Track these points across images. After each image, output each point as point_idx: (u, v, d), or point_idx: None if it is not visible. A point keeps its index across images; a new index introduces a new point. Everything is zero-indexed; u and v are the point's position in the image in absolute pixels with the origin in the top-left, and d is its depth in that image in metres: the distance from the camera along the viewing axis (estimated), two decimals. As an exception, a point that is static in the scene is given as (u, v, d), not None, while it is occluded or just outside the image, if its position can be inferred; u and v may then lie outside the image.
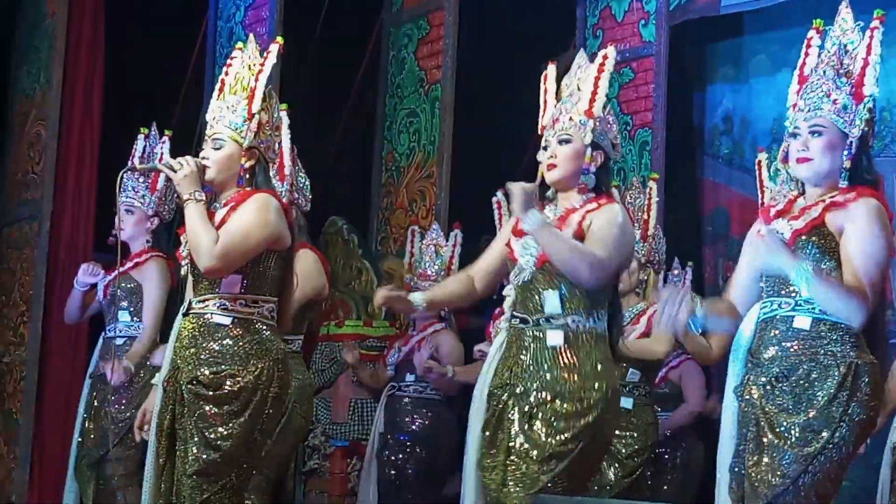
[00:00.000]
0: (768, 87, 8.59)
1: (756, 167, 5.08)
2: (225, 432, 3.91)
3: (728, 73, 9.18)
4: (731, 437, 3.68)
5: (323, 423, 7.30)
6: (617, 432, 4.86)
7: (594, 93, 4.07)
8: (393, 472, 6.51)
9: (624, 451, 5.58)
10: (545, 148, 4.11)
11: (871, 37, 3.66)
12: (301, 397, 5.35)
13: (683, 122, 9.12)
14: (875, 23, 3.66)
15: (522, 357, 4.00)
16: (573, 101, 4.11)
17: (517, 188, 3.91)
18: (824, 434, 3.49)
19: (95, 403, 5.79)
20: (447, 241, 6.71)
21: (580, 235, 3.98)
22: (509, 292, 4.13)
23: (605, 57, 4.12)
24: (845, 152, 3.63)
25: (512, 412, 3.97)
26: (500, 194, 6.40)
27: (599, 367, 3.96)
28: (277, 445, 5.19)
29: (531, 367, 3.98)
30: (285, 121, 5.42)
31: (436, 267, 6.60)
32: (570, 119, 4.08)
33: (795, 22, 7.82)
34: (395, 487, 6.53)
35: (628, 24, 8.57)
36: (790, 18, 8.11)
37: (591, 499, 3.89)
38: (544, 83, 4.21)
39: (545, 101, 4.19)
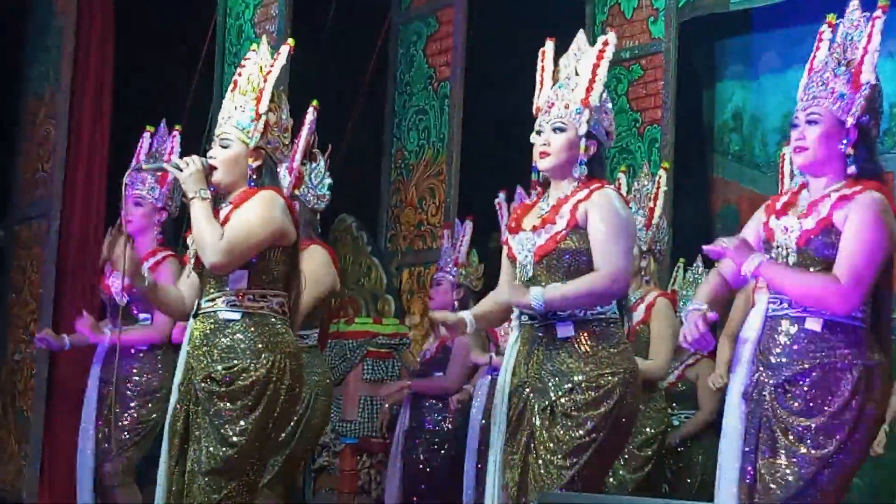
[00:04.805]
0: (778, 83, 8.59)
1: (780, 161, 5.05)
2: (240, 428, 3.91)
3: (737, 70, 9.17)
4: (737, 437, 3.65)
5: (332, 421, 7.30)
6: None
7: (592, 81, 4.03)
8: (419, 470, 6.52)
9: (634, 441, 5.53)
10: (539, 133, 4.07)
11: (873, 26, 3.64)
12: (321, 392, 5.34)
13: (693, 120, 9.11)
14: (878, 12, 3.64)
15: (536, 353, 3.99)
16: (570, 87, 4.06)
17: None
18: (839, 436, 3.48)
19: (112, 407, 5.80)
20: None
21: (574, 225, 3.95)
22: None
23: (605, 43, 4.07)
24: (844, 140, 3.61)
25: (533, 409, 3.96)
26: (502, 195, 6.41)
27: (613, 350, 3.94)
28: (299, 442, 5.20)
29: (546, 362, 3.96)
30: (309, 117, 5.42)
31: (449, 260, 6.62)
32: (566, 107, 4.03)
33: (805, 18, 7.79)
34: (421, 486, 6.53)
35: (637, 20, 8.55)
36: (800, 15, 8.09)
37: (600, 495, 3.85)
38: (542, 61, 4.17)
39: (542, 81, 4.15)
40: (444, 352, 6.62)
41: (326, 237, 7.48)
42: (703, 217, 9.19)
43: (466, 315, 4.14)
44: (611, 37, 4.11)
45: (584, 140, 4.02)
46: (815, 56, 3.74)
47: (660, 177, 6.00)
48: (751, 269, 3.58)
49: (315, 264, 5.12)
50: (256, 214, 3.95)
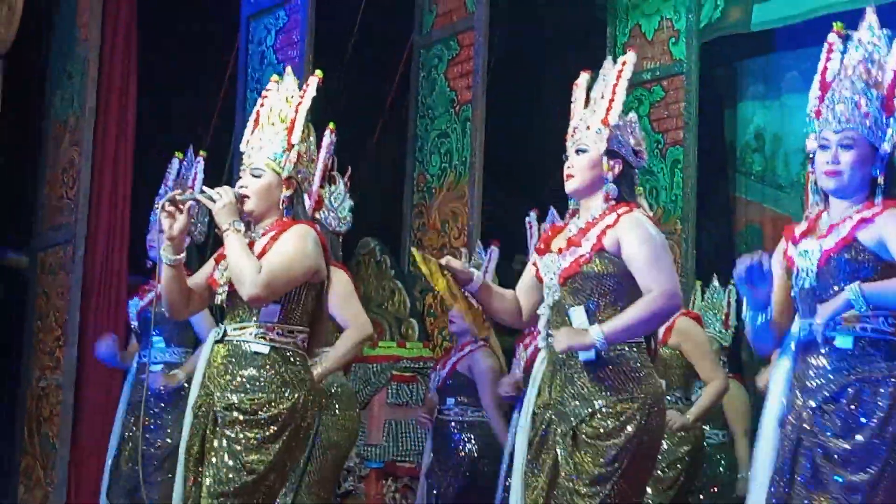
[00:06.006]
0: (801, 103, 8.49)
1: (805, 181, 5.01)
2: (259, 457, 3.90)
3: (759, 91, 9.16)
4: (768, 463, 3.60)
5: (357, 445, 7.29)
6: None
7: (611, 101, 4.04)
8: (441, 494, 6.50)
9: (662, 460, 5.49)
10: (566, 158, 4.10)
11: None
12: (345, 404, 5.33)
13: (715, 140, 9.10)
14: None
15: (559, 375, 3.98)
16: (593, 110, 4.09)
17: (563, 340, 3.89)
18: (882, 455, 3.43)
19: (133, 429, 5.82)
20: (484, 257, 6.71)
21: (599, 249, 3.93)
22: (542, 311, 4.11)
23: (623, 63, 4.08)
24: (877, 167, 3.58)
25: (556, 432, 3.95)
26: (532, 215, 6.40)
27: (635, 375, 3.91)
28: (325, 467, 5.20)
29: (568, 385, 3.94)
30: (326, 140, 5.42)
31: None
32: (588, 128, 4.05)
33: (827, 38, 7.77)
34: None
35: (658, 42, 8.57)
36: (822, 35, 8.01)
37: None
38: (575, 92, 4.19)
39: (573, 111, 4.17)
40: (456, 377, 6.59)
41: (349, 260, 7.50)
42: (725, 237, 9.17)
43: (477, 273, 4.09)
44: (629, 56, 4.11)
45: (605, 159, 4.02)
46: (826, 67, 3.70)
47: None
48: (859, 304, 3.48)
49: (339, 287, 5.12)
50: (294, 249, 3.95)
